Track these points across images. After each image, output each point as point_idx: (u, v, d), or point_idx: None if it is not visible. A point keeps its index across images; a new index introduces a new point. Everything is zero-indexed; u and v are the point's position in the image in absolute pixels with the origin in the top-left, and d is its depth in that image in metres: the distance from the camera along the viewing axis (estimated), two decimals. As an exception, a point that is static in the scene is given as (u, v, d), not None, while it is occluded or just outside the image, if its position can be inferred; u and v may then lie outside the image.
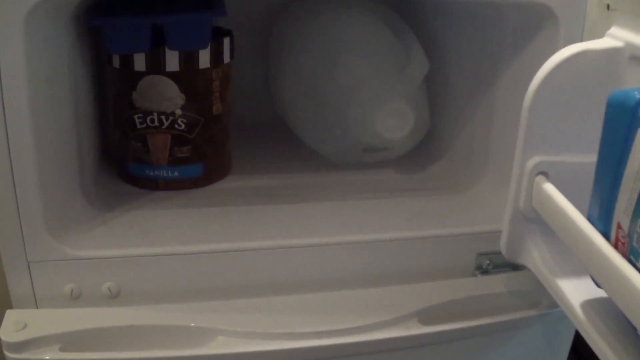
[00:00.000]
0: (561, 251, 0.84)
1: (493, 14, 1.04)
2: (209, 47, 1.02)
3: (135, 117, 1.04)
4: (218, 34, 1.06)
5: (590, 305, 0.75)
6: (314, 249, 0.97)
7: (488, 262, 1.01)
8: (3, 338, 0.84)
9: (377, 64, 1.12)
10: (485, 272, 1.02)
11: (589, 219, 0.69)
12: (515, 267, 1.02)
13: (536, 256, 0.85)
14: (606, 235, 0.66)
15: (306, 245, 0.97)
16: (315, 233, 0.99)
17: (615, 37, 0.80)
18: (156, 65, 1.01)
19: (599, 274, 0.66)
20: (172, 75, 1.02)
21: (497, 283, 0.99)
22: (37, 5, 0.76)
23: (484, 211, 1.06)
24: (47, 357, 0.84)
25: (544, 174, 0.80)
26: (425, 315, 0.93)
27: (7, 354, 0.84)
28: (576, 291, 0.78)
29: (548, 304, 0.97)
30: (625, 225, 0.62)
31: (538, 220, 0.83)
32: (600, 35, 0.84)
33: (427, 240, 1.00)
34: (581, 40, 0.91)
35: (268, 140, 1.31)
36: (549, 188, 0.78)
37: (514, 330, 0.99)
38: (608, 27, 0.82)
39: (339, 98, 1.12)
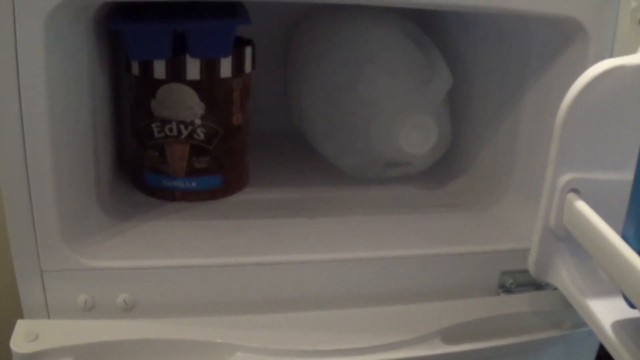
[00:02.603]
0: (590, 271, 0.82)
1: (519, 28, 1.02)
2: (230, 56, 1.01)
3: (153, 125, 1.03)
4: (239, 44, 1.04)
5: (621, 325, 0.73)
6: (333, 264, 0.95)
7: (512, 280, 0.99)
8: (14, 349, 0.82)
9: (401, 77, 1.11)
10: (508, 291, 1.00)
11: (624, 237, 0.68)
12: (539, 287, 1.00)
13: (565, 275, 0.83)
14: (642, 254, 0.64)
15: (325, 261, 0.95)
16: (334, 248, 0.97)
17: (650, 53, 0.78)
18: (176, 73, 0.99)
19: (634, 294, 0.64)
20: (192, 84, 1.00)
21: (520, 302, 0.97)
22: (58, 7, 0.75)
23: (508, 229, 1.04)
24: (60, 370, 0.82)
25: (576, 191, 0.78)
26: (449, 335, 0.91)
27: (18, 365, 0.82)
28: (607, 311, 0.76)
29: (571, 324, 0.95)
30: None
31: (568, 239, 0.81)
32: (631, 50, 0.82)
33: (449, 258, 0.98)
34: (611, 55, 0.90)
35: (286, 153, 1.29)
36: (582, 206, 0.76)
37: (537, 351, 0.97)
38: (640, 43, 0.81)
39: (361, 111, 1.11)
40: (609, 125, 0.78)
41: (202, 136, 1.03)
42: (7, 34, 0.75)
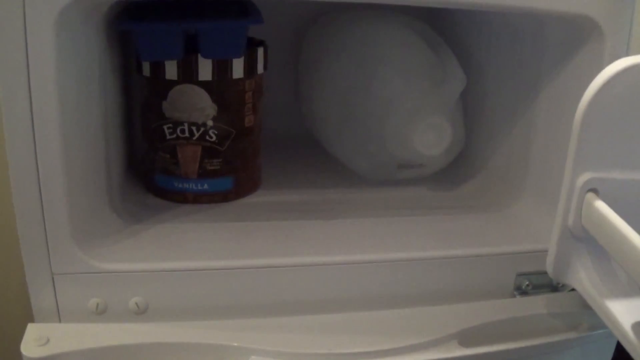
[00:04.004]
0: (609, 272, 0.82)
1: (533, 27, 1.02)
2: (243, 56, 1.00)
3: (165, 127, 1.02)
4: (251, 44, 1.04)
5: (641, 326, 0.72)
6: (347, 266, 0.94)
7: (527, 282, 0.98)
8: (24, 353, 0.81)
9: (414, 78, 1.10)
10: (524, 292, 0.99)
11: (645, 237, 0.67)
12: (555, 288, 1.00)
13: (583, 276, 0.82)
14: (663, 254, 0.63)
15: (339, 263, 0.94)
16: (348, 250, 0.96)
17: (667, 51, 0.77)
18: (188, 74, 0.99)
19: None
20: (204, 85, 0.99)
21: (537, 304, 0.96)
22: (68, 7, 0.75)
23: (523, 230, 1.03)
24: (71, 375, 0.81)
25: (594, 191, 0.77)
26: (465, 337, 0.90)
27: (29, 370, 0.81)
28: (626, 312, 0.75)
29: (588, 326, 0.94)
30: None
31: (586, 239, 0.80)
32: (647, 49, 0.81)
33: (464, 260, 0.97)
34: (627, 54, 0.89)
35: (298, 155, 1.29)
36: (601, 206, 0.75)
37: (553, 353, 0.96)
38: (656, 41, 0.80)
39: (375, 112, 1.10)
40: (626, 123, 0.77)
41: (214, 138, 1.03)
42: (18, 34, 0.74)
